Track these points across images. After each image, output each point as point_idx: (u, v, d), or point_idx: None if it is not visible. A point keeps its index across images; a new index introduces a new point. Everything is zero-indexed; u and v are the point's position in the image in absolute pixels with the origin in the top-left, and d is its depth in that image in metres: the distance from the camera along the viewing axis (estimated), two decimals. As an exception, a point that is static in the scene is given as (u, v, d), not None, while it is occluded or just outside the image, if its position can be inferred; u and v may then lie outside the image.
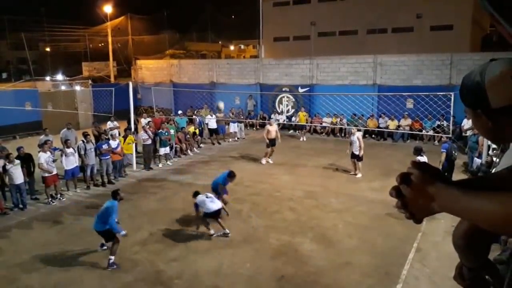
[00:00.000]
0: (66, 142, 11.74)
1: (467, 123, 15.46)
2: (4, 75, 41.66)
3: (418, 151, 9.98)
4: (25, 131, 19.25)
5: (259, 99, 22.69)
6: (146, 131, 13.94)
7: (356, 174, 13.05)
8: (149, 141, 13.95)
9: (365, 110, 18.47)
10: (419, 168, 0.98)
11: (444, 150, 10.54)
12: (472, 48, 25.70)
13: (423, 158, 9.39)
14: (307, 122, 20.04)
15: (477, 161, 12.15)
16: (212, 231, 8.68)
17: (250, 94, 22.15)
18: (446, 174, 10.85)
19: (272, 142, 14.84)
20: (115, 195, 7.74)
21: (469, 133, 15.20)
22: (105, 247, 7.87)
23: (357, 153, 12.72)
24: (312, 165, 14.29)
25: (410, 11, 27.20)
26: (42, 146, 11.13)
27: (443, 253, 7.74)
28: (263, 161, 14.84)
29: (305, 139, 19.17)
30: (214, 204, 8.61)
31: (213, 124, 18.09)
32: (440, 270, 7.16)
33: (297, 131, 20.45)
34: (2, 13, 39.67)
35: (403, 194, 0.99)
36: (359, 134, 13.24)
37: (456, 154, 10.98)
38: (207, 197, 8.74)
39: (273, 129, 14.97)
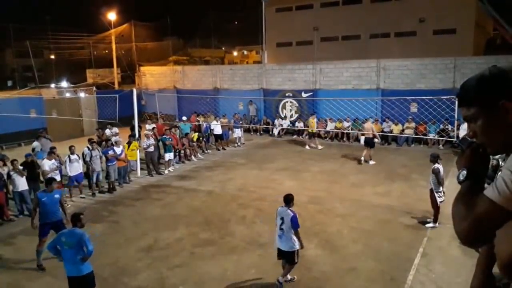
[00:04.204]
0: (70, 148, 11.77)
1: (462, 128, 14.98)
2: (10, 83, 42.00)
3: (435, 158, 9.24)
4: (30, 138, 19.34)
5: (262, 104, 22.73)
6: (148, 139, 13.97)
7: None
8: (152, 148, 13.97)
9: (369, 115, 18.43)
10: None
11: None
12: (475, 52, 25.66)
13: (440, 166, 9.13)
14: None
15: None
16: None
17: (250, 99, 22.19)
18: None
19: (367, 142, 14.41)
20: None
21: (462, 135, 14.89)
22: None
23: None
24: (316, 170, 14.26)
25: (413, 16, 27.25)
26: (49, 154, 11.17)
27: (449, 258, 7.69)
28: (365, 160, 14.64)
29: (320, 147, 17.78)
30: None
31: (218, 130, 18.17)
32: (446, 275, 7.10)
33: (309, 139, 18.39)
34: (7, 22, 40.05)
35: None
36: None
37: None
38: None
39: (367, 126, 14.61)
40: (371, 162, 14.74)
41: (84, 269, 6.06)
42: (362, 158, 14.83)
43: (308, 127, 18.10)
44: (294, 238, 6.65)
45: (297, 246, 6.69)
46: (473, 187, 1.33)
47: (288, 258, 6.78)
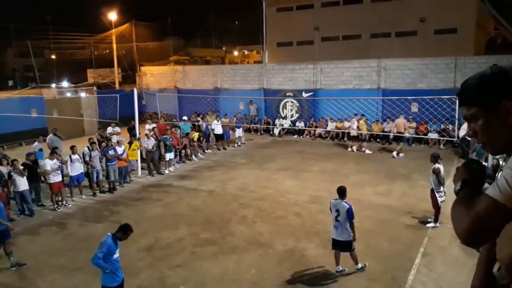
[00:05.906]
0: (71, 148, 11.78)
1: (462, 128, 14.76)
2: (11, 83, 42.03)
3: (435, 158, 9.18)
4: (31, 137, 19.36)
5: (263, 104, 22.73)
6: (149, 139, 13.97)
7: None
8: (153, 148, 13.96)
9: (370, 114, 18.42)
10: None
11: None
12: (476, 51, 25.60)
13: (440, 166, 9.11)
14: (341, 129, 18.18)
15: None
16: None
17: (250, 99, 22.20)
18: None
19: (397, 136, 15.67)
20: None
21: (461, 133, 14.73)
22: None
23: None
24: (317, 170, 14.25)
25: (414, 15, 27.18)
26: (51, 154, 11.19)
27: (450, 258, 7.69)
28: (395, 153, 15.85)
29: (368, 151, 16.74)
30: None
31: (218, 130, 18.17)
32: (447, 274, 7.10)
33: (352, 142, 17.36)
34: (8, 22, 40.08)
35: None
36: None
37: None
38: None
39: (399, 122, 16.07)
40: (401, 155, 15.85)
41: (103, 279, 5.72)
42: (395, 152, 15.87)
43: (358, 129, 16.87)
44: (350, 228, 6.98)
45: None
46: (471, 192, 1.32)
47: (345, 247, 7.06)
